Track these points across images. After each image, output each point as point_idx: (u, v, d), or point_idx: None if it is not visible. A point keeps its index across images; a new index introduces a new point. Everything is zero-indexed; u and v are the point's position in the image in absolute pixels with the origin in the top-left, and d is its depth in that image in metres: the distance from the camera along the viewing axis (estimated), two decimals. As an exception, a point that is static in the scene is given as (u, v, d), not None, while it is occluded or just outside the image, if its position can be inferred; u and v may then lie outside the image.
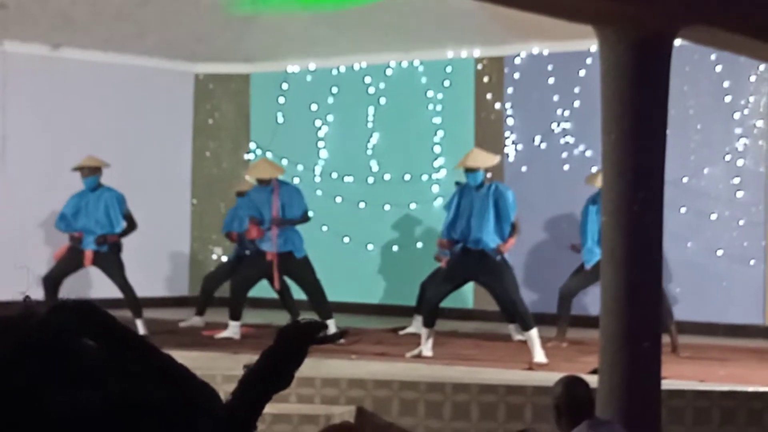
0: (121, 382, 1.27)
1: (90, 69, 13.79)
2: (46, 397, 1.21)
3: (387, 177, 13.76)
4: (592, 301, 11.48)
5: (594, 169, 11.69)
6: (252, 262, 10.96)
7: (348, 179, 14.01)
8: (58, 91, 13.58)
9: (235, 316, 10.77)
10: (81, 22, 12.59)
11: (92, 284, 12.88)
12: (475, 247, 9.71)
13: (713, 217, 11.89)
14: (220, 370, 7.86)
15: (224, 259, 14.29)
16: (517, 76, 13.12)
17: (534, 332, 9.50)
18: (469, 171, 9.85)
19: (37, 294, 10.85)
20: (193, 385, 1.42)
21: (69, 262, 10.83)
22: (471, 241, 9.70)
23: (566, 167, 12.63)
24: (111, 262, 10.78)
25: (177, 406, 1.30)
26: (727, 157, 11.89)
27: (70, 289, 11.07)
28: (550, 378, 6.54)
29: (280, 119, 14.54)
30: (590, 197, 10.50)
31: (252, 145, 14.80)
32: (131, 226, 10.99)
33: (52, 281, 10.72)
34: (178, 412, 1.30)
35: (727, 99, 11.90)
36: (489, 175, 10.10)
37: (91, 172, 10.91)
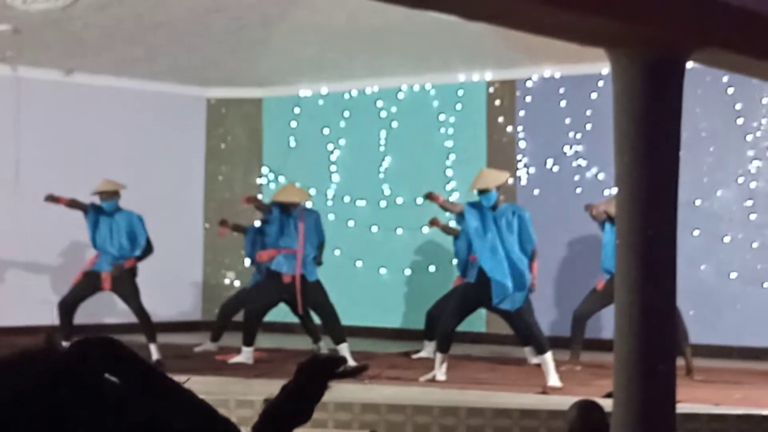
0: (142, 416, 1.29)
1: (102, 94, 13.85)
2: (69, 427, 1.23)
3: (399, 200, 13.77)
4: (605, 324, 11.45)
5: (606, 192, 11.69)
6: (267, 287, 10.92)
7: (360, 203, 14.02)
8: (71, 115, 13.65)
9: (249, 341, 10.76)
10: (93, 46, 12.65)
11: (106, 308, 12.89)
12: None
13: (726, 239, 11.86)
14: (234, 395, 7.84)
15: (237, 283, 14.30)
16: (529, 99, 13.13)
17: (548, 356, 9.46)
18: (482, 192, 9.80)
19: (52, 318, 10.86)
20: (213, 419, 1.43)
21: (85, 287, 10.82)
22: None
23: (579, 190, 12.62)
24: (126, 286, 10.78)
25: None
26: (740, 179, 11.87)
27: (84, 313, 11.08)
28: (564, 402, 6.51)
29: (293, 143, 14.57)
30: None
31: (264, 170, 14.83)
32: (148, 249, 11.01)
33: (67, 306, 10.72)
34: None
35: (740, 121, 11.89)
36: (502, 197, 10.07)
37: (110, 196, 10.92)
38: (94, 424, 1.25)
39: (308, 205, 11.42)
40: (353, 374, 2.29)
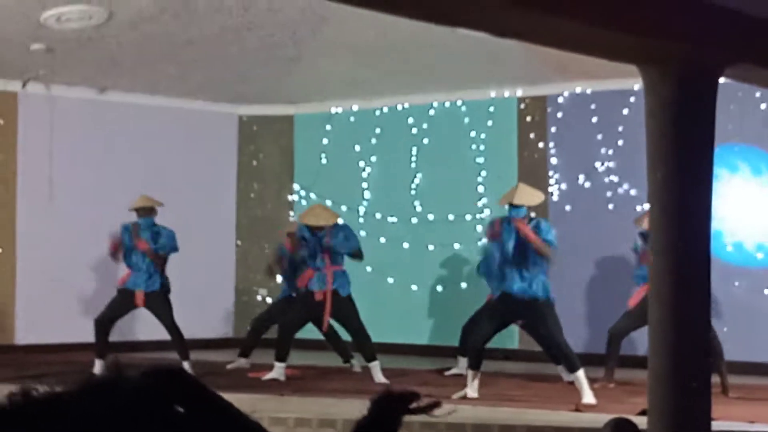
0: None
1: (135, 112, 13.93)
2: None
3: (431, 217, 13.76)
4: (640, 340, 11.38)
5: (638, 208, 11.64)
6: (301, 304, 10.95)
7: (392, 219, 14.02)
8: (104, 133, 13.73)
9: (282, 357, 10.77)
10: (127, 65, 12.73)
11: (140, 326, 12.94)
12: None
13: (760, 255, 11.78)
14: (267, 412, 7.85)
15: (269, 300, 14.31)
16: (560, 115, 13.10)
17: (581, 373, 9.42)
18: (514, 206, 9.80)
19: (88, 335, 10.93)
20: None
21: (120, 305, 10.89)
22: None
23: (610, 206, 12.58)
24: (160, 303, 10.83)
25: None
26: (774, 195, 11.79)
27: (118, 331, 11.14)
28: (598, 419, 6.48)
29: (324, 160, 14.60)
30: (640, 233, 10.36)
31: (296, 187, 14.86)
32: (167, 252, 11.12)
33: (103, 324, 10.77)
34: None
35: (773, 136, 11.81)
36: (533, 214, 10.04)
37: (147, 212, 11.01)
38: None
39: (339, 221, 11.42)
40: (427, 410, 2.28)
